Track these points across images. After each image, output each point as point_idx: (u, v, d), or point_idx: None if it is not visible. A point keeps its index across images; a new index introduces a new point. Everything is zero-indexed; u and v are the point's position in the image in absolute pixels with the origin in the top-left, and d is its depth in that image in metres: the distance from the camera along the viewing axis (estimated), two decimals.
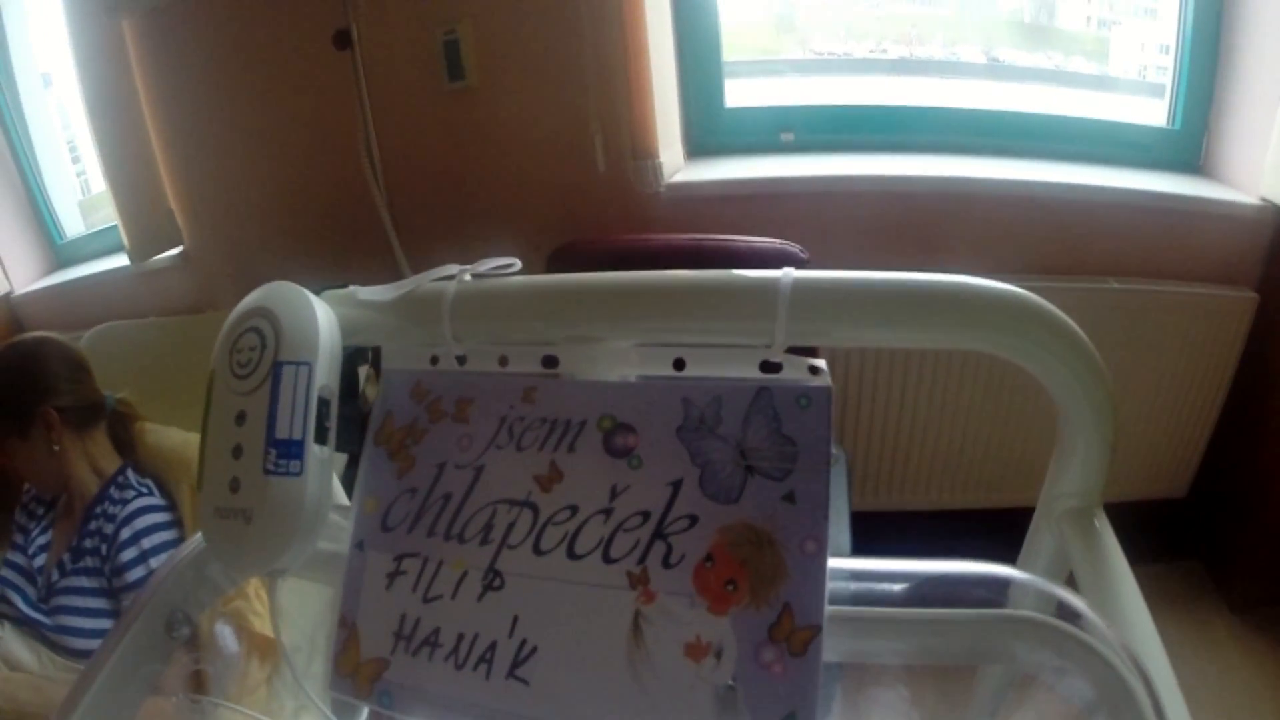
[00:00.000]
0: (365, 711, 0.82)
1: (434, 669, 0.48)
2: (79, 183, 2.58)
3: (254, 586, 1.27)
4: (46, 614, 1.33)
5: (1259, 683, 1.67)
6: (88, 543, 1.33)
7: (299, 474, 0.51)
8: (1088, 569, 0.51)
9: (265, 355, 0.53)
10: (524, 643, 0.47)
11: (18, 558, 1.43)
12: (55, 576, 1.34)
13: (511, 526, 0.49)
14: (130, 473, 1.38)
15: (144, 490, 1.36)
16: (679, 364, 0.50)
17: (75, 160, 2.57)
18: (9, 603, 1.35)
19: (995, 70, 2.07)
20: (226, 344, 0.55)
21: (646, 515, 0.47)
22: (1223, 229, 1.63)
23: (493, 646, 0.47)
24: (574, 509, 0.48)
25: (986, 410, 1.68)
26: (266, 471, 0.51)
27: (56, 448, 1.35)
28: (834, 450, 0.46)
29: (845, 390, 1.69)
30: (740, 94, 1.89)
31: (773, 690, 0.41)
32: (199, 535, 0.64)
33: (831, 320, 0.49)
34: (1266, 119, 1.56)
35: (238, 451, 0.52)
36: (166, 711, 1.24)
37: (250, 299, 0.57)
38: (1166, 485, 1.82)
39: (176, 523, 1.34)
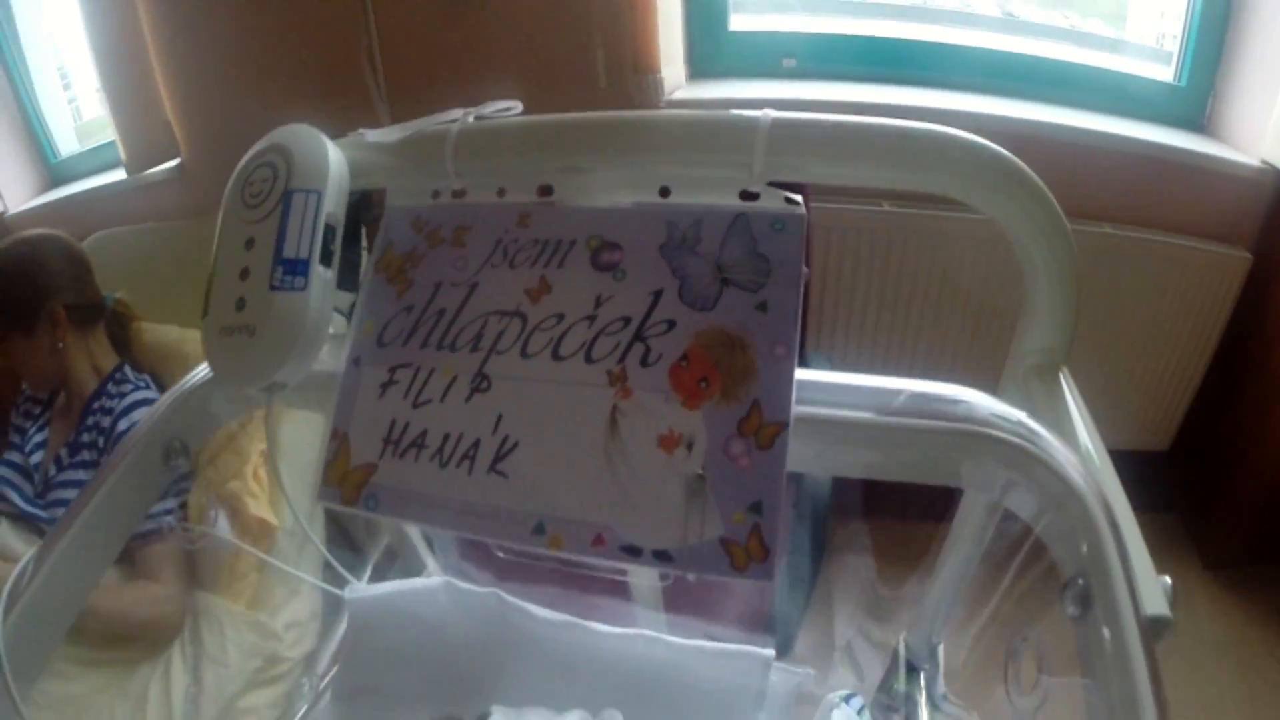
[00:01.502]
0: (367, 573, 0.85)
1: (419, 469, 0.50)
2: (70, 109, 2.58)
3: (252, 466, 1.29)
4: (44, 508, 1.35)
5: (1224, 638, 1.71)
6: (85, 437, 1.36)
7: (303, 289, 0.54)
8: (1050, 420, 0.54)
9: (277, 185, 0.56)
10: (506, 439, 0.49)
11: (14, 456, 1.45)
12: (52, 471, 1.37)
13: (501, 334, 0.51)
14: (128, 369, 1.40)
15: (141, 385, 1.38)
16: (664, 191, 0.52)
17: (66, 88, 2.56)
18: (6, 500, 1.37)
19: (1009, 25, 2.06)
20: (239, 180, 0.58)
21: (627, 320, 0.49)
22: (1222, 187, 1.64)
23: (476, 444, 0.49)
24: (560, 316, 0.50)
25: (965, 327, 1.70)
26: (272, 287, 0.54)
27: (60, 345, 1.37)
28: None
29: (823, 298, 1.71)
30: (746, 24, 1.89)
31: (739, 480, 0.44)
32: (202, 366, 0.67)
33: (807, 156, 0.51)
34: (1272, 82, 1.56)
35: (245, 274, 0.55)
36: (158, 596, 1.27)
37: (263, 140, 0.59)
38: (1150, 437, 1.84)
39: None
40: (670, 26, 1.70)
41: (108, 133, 2.14)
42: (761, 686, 0.66)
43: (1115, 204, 1.63)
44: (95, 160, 2.38)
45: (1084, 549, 0.41)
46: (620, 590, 0.72)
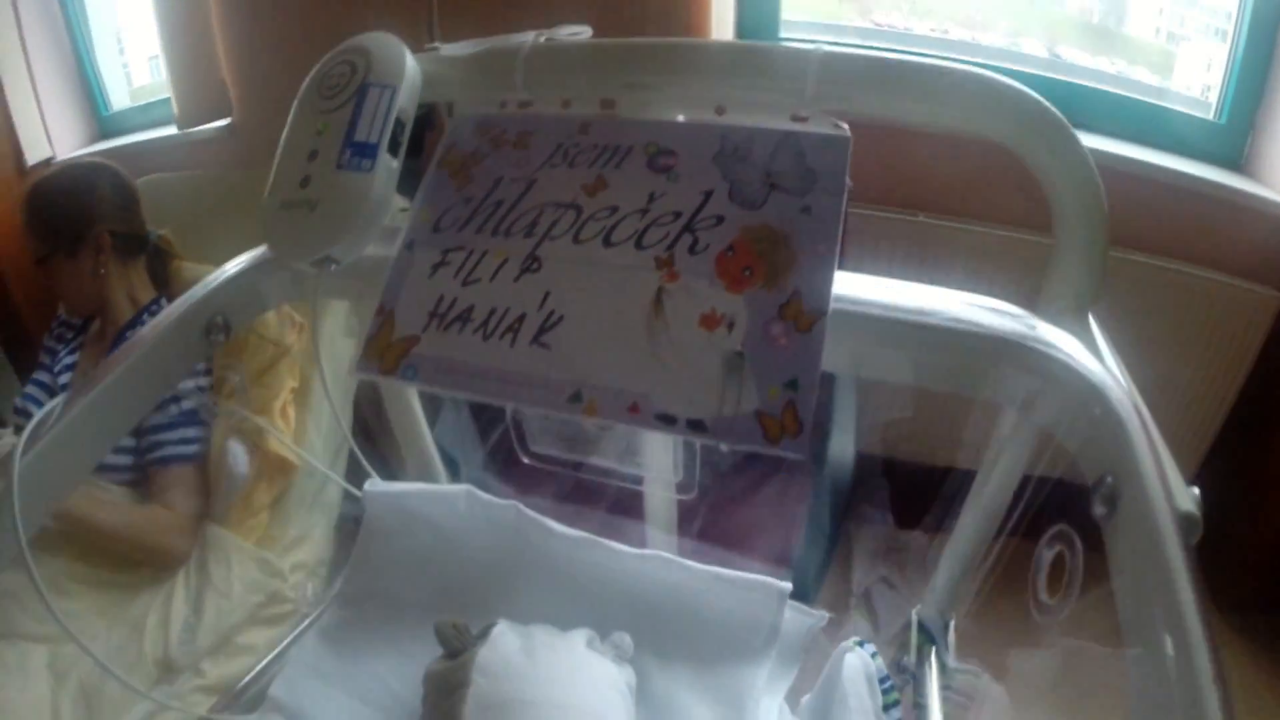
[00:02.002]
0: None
1: (462, 340, 0.52)
2: (123, 74, 2.64)
3: (280, 404, 1.31)
4: None
5: (1234, 682, 1.69)
6: None
7: (369, 170, 0.57)
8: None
9: (354, 79, 0.60)
10: (551, 314, 0.50)
11: (43, 376, 1.48)
12: None
13: (555, 223, 0.53)
14: (164, 303, 1.43)
15: None
16: (719, 110, 0.55)
17: (120, 52, 2.62)
18: (30, 415, 1.40)
19: (1055, 66, 2.08)
20: (316, 76, 0.62)
21: (678, 214, 0.51)
22: (1256, 226, 1.64)
23: (521, 319, 0.51)
24: (614, 209, 0.52)
25: None
26: (339, 167, 0.57)
27: (101, 271, 1.40)
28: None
29: None
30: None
31: (777, 358, 0.45)
32: (256, 250, 0.69)
33: (855, 87, 0.54)
34: None
35: (313, 155, 0.58)
36: (169, 523, 1.29)
37: (345, 43, 0.63)
38: None
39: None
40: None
41: (156, 97, 2.19)
42: (775, 621, 0.66)
43: (1149, 233, 1.63)
44: (145, 116, 2.44)
45: (1112, 447, 0.41)
46: (637, 514, 0.73)
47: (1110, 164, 1.60)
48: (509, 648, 0.59)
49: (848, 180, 0.50)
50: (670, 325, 0.47)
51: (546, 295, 0.51)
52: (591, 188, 0.54)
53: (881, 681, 0.61)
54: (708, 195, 0.51)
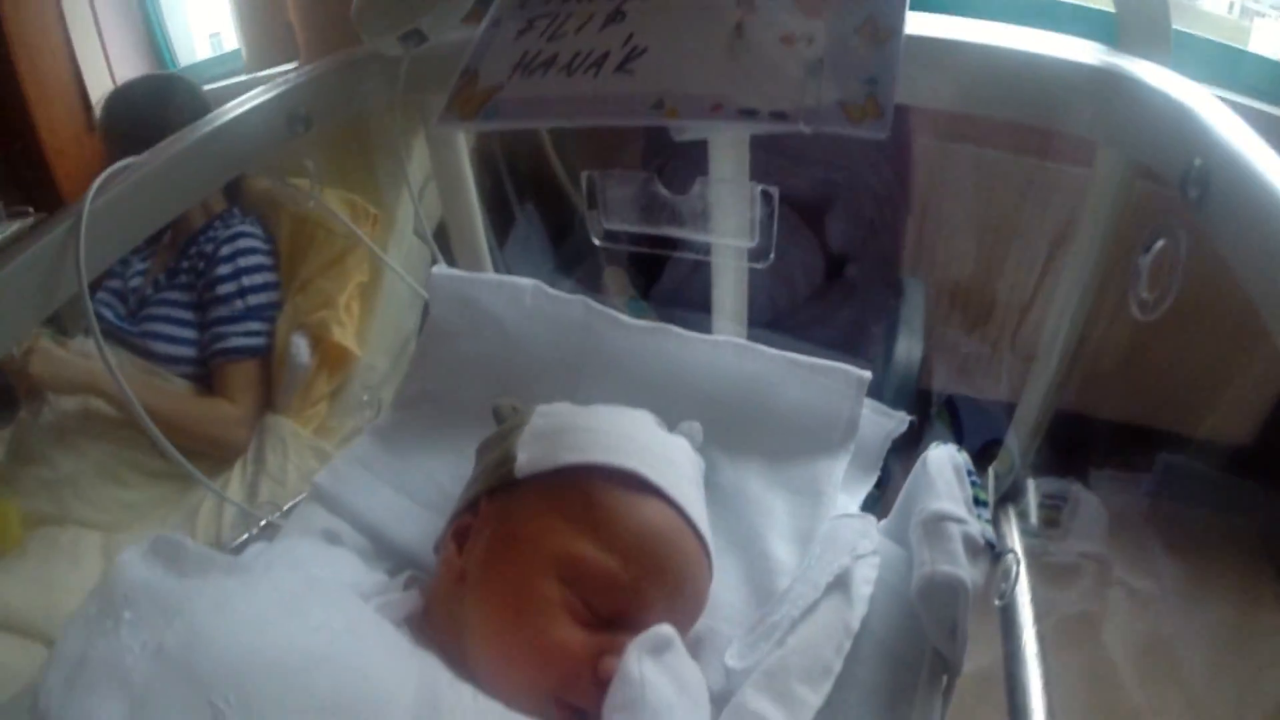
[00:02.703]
0: None
1: (546, 80, 0.54)
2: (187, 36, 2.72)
3: (346, 297, 1.35)
4: (133, 325, 1.42)
5: None
6: (185, 263, 1.43)
7: None
8: None
9: None
10: (635, 47, 0.52)
11: (114, 282, 1.53)
12: (149, 292, 1.44)
13: None
14: (236, 212, 1.48)
15: (248, 223, 1.45)
16: None
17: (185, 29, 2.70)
18: (100, 317, 1.44)
19: None
20: None
21: None
22: None
23: (605, 55, 0.53)
24: None
25: None
26: None
27: None
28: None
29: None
30: None
31: (856, 62, 0.46)
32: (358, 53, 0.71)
33: None
34: None
35: None
36: (230, 415, 1.32)
37: None
38: (1231, 427, 1.76)
39: (274, 254, 1.43)
40: None
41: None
42: (854, 412, 0.62)
43: None
44: (212, 70, 2.51)
45: (1197, 133, 0.42)
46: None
47: None
48: (567, 406, 0.58)
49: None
50: (751, 44, 0.49)
51: (630, 36, 0.53)
52: None
53: (969, 474, 0.56)
54: None
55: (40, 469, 1.27)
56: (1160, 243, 0.44)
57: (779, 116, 0.45)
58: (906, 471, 0.60)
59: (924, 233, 1.43)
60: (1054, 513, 0.68)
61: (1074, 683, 0.70)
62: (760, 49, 0.48)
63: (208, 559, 0.42)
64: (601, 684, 0.43)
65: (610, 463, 0.50)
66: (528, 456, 0.51)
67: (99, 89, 2.26)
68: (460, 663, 0.44)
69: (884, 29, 0.47)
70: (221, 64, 2.45)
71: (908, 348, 1.17)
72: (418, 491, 0.65)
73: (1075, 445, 0.80)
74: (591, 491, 0.49)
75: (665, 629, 0.44)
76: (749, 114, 0.46)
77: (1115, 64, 0.47)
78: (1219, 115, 0.41)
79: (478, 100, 0.56)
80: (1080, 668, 0.70)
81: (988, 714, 0.71)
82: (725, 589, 0.57)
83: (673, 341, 0.66)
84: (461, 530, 0.52)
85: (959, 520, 0.52)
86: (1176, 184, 0.42)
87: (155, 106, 1.45)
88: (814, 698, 0.45)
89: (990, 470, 0.78)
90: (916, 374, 1.16)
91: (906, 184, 1.36)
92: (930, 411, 1.10)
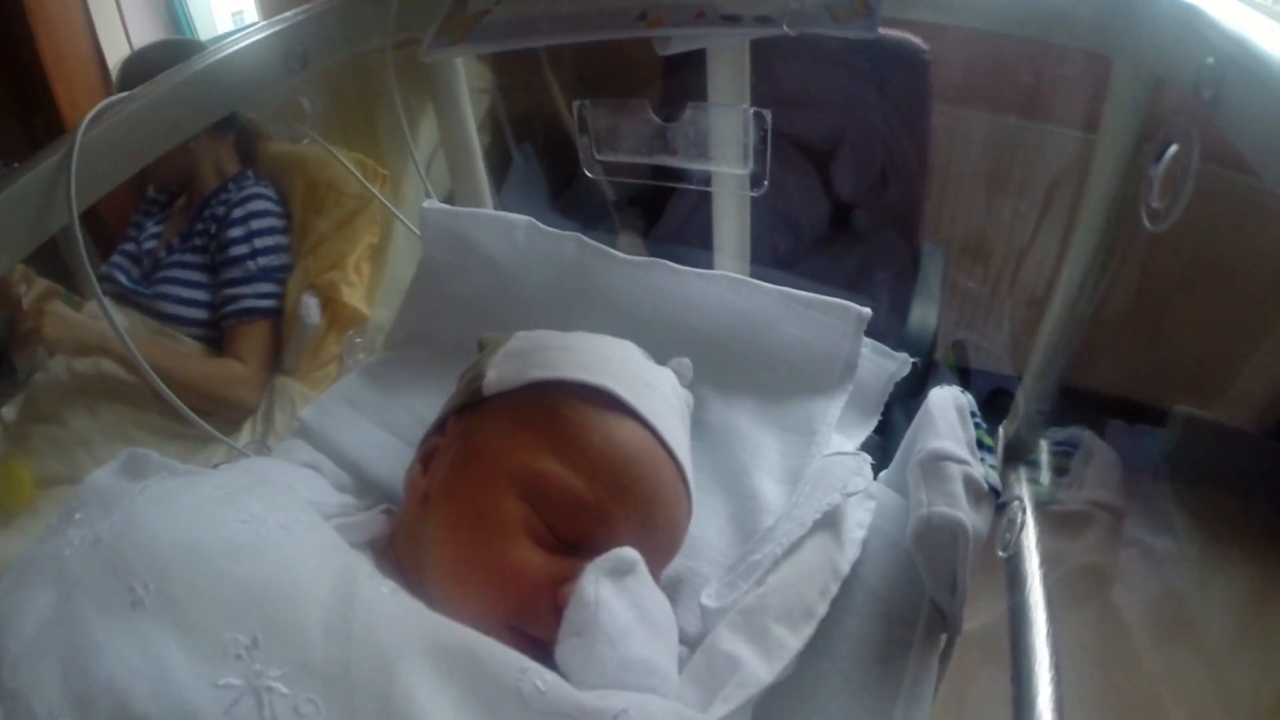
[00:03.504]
0: None
1: (533, 1, 0.52)
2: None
3: (355, 259, 1.35)
4: (146, 287, 1.43)
5: None
6: (199, 225, 1.43)
7: None
8: None
9: None
10: None
11: (129, 246, 1.53)
12: (162, 255, 1.45)
13: None
14: (250, 174, 1.48)
15: (261, 186, 1.45)
16: None
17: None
18: (113, 280, 1.45)
19: None
20: None
21: None
22: None
23: None
24: None
25: None
26: None
27: (191, 145, 1.45)
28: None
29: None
30: None
31: None
32: None
33: None
34: None
35: None
36: (240, 375, 1.33)
37: None
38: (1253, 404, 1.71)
39: (286, 216, 1.43)
40: None
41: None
42: (853, 350, 0.59)
43: None
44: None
45: (1206, 31, 0.39)
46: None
47: None
48: (547, 332, 0.55)
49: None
50: None
51: None
52: None
53: (973, 416, 0.54)
54: None
55: (52, 428, 1.28)
56: (1173, 148, 0.42)
57: (764, 21, 0.43)
58: (911, 423, 0.58)
59: (940, 191, 1.40)
60: (1064, 460, 0.65)
61: (1083, 643, 0.67)
62: None
63: (167, 466, 0.41)
64: (561, 613, 0.40)
65: (581, 378, 0.47)
66: (497, 374, 0.49)
67: (117, 60, 2.29)
68: (420, 589, 0.42)
69: None
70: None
71: (923, 314, 1.14)
72: (401, 428, 0.64)
73: (1085, 413, 0.77)
74: (559, 407, 0.47)
75: (628, 551, 0.42)
76: (732, 20, 0.44)
77: None
78: (1229, 10, 0.38)
79: (467, 24, 0.55)
80: (1089, 625, 0.67)
81: (992, 674, 0.68)
82: (709, 529, 0.55)
83: (666, 276, 0.64)
84: (429, 451, 0.50)
85: (960, 460, 0.50)
86: (1189, 87, 0.40)
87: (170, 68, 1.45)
88: (793, 640, 0.43)
89: (1000, 428, 0.75)
90: (931, 342, 1.13)
91: (923, 141, 1.32)
92: (938, 357, 1.07)
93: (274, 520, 0.38)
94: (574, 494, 0.44)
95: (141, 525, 0.36)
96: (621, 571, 0.41)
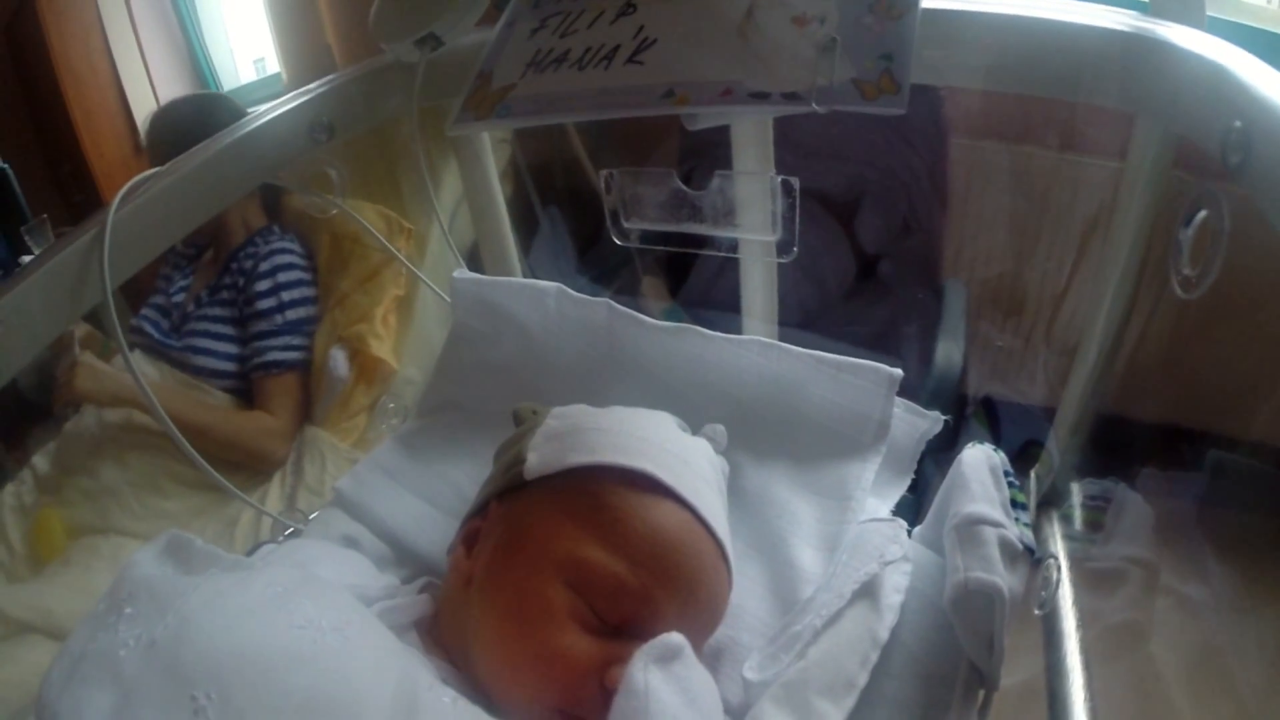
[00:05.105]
0: None
1: (557, 76, 0.53)
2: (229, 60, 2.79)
3: (383, 310, 1.36)
4: (176, 340, 1.45)
5: None
6: (226, 279, 1.46)
7: None
8: None
9: None
10: (645, 39, 0.51)
11: (158, 299, 1.56)
12: (191, 308, 1.47)
13: None
14: (276, 229, 1.51)
15: (287, 240, 1.48)
16: None
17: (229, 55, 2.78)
18: (143, 333, 1.48)
19: None
20: None
21: None
22: None
23: (616, 49, 0.52)
24: None
25: None
26: None
27: None
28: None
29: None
30: None
31: (870, 39, 0.45)
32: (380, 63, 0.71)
33: None
34: None
35: None
36: (269, 428, 1.34)
37: None
38: None
39: (312, 269, 1.45)
40: None
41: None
42: (884, 413, 0.59)
43: None
44: (255, 93, 2.58)
45: (1235, 94, 0.39)
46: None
47: None
48: (583, 408, 0.57)
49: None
50: (761, 27, 0.48)
51: (641, 27, 0.52)
52: None
53: (1006, 475, 0.53)
54: None
55: (83, 479, 1.29)
56: (1201, 214, 0.42)
57: (791, 98, 0.44)
58: (943, 476, 0.57)
59: (963, 233, 1.40)
60: (1098, 515, 0.64)
61: (1120, 697, 0.66)
62: (771, 32, 0.47)
63: (212, 556, 0.42)
64: (609, 696, 0.41)
65: (620, 463, 0.48)
66: (538, 457, 0.50)
67: (144, 113, 2.33)
68: (467, 671, 0.43)
69: (899, 4, 0.45)
70: (265, 87, 2.52)
71: (947, 351, 1.14)
72: (439, 498, 0.64)
73: (1119, 448, 0.76)
74: (600, 493, 0.47)
75: (674, 636, 0.42)
76: (760, 97, 0.45)
77: (1146, 29, 0.45)
78: (1258, 74, 0.39)
79: (491, 100, 0.56)
80: (1126, 680, 0.66)
81: None
82: (749, 598, 0.55)
83: (697, 342, 0.64)
84: (471, 534, 0.51)
85: (995, 524, 0.49)
86: (1216, 151, 0.40)
87: (198, 123, 1.49)
88: (835, 713, 0.43)
89: (1032, 474, 0.74)
90: (958, 379, 1.13)
91: (942, 182, 1.32)
92: (968, 413, 1.06)
93: (327, 623, 0.38)
94: (618, 580, 0.44)
95: (197, 630, 0.36)
96: (669, 658, 0.42)
